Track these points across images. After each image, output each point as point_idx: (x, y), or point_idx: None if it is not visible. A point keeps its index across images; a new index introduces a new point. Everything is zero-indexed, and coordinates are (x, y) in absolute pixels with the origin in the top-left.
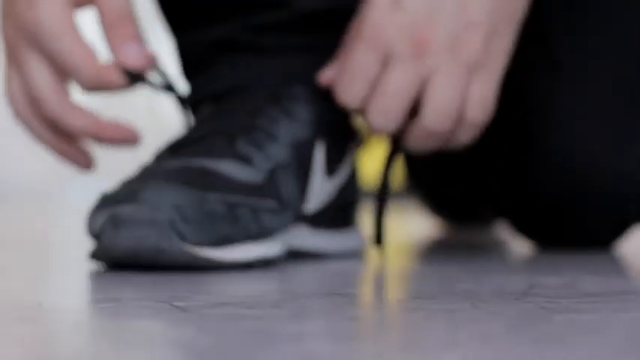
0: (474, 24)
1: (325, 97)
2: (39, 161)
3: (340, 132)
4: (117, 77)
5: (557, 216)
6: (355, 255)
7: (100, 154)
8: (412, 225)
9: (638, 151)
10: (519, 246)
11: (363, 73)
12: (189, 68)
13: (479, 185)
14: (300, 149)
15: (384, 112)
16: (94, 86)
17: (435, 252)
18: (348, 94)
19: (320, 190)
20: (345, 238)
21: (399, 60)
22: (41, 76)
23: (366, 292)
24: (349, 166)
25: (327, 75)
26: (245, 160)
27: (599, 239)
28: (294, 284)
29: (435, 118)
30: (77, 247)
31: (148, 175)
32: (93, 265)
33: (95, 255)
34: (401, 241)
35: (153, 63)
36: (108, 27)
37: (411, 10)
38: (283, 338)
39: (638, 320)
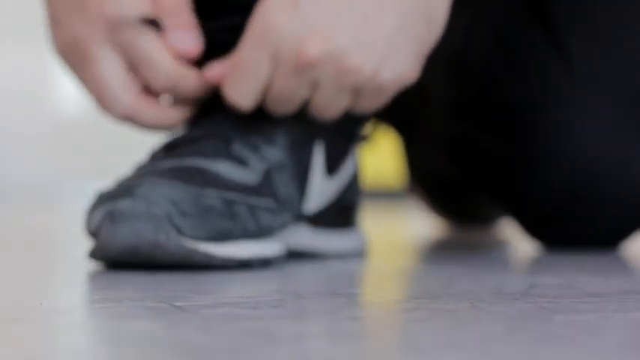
0: (370, 46)
1: None
2: (38, 161)
3: (341, 132)
4: (195, 79)
5: (565, 216)
6: (355, 255)
7: (99, 155)
8: (412, 225)
9: None
10: (519, 246)
11: (252, 73)
12: None
13: (482, 185)
14: (298, 150)
15: (277, 112)
16: (167, 86)
17: (435, 252)
18: (237, 93)
19: (320, 190)
20: (345, 238)
21: (284, 66)
22: (114, 70)
23: (366, 292)
24: (351, 166)
25: (215, 70)
26: (240, 161)
27: (606, 240)
28: (294, 284)
29: (318, 116)
30: (77, 247)
31: (143, 173)
32: (92, 265)
33: (94, 253)
34: (401, 241)
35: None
36: (163, 16)
37: (307, 13)
38: (283, 338)
39: (638, 320)
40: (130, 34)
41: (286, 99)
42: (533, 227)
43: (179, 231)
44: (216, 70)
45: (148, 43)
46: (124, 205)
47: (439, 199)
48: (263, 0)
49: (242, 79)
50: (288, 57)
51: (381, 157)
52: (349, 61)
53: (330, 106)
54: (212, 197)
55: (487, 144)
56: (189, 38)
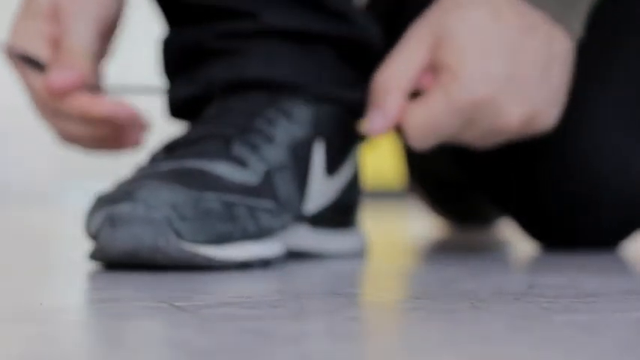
0: (554, 105)
1: (324, 98)
2: (39, 161)
3: (341, 132)
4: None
5: (564, 217)
6: (355, 255)
7: (99, 155)
8: (412, 225)
9: None
10: (519, 246)
11: (443, 132)
12: (170, 67)
13: (482, 185)
14: (297, 150)
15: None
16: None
17: (435, 252)
18: (422, 143)
19: (320, 190)
20: (345, 238)
21: (478, 129)
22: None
23: (366, 292)
24: (351, 167)
25: (378, 124)
26: (240, 162)
27: (606, 240)
28: (294, 284)
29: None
30: (77, 247)
31: (143, 176)
32: (92, 265)
33: (94, 255)
34: (401, 241)
35: (75, 87)
36: (60, 56)
37: (505, 87)
38: (283, 338)
39: (638, 320)
40: (20, 66)
41: (466, 142)
42: (532, 227)
43: (179, 235)
44: (379, 123)
45: (29, 78)
46: (123, 209)
47: (439, 199)
48: (461, 64)
49: (431, 134)
50: (485, 125)
51: (381, 157)
52: (538, 122)
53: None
54: (212, 200)
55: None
56: (61, 75)
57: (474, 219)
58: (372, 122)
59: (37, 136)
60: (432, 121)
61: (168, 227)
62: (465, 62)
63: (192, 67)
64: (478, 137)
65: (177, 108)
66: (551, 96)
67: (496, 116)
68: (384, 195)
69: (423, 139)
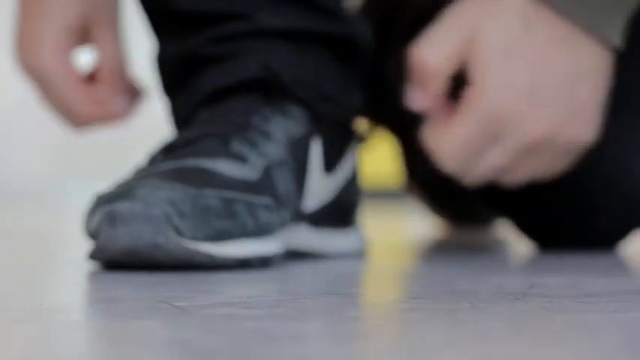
0: (586, 115)
1: (320, 97)
2: (38, 161)
3: (337, 130)
4: (112, 111)
5: (562, 217)
6: (355, 255)
7: (99, 155)
8: (412, 225)
9: None
10: (519, 246)
11: (471, 147)
12: (168, 83)
13: (481, 187)
14: (295, 147)
15: (473, 174)
16: (90, 122)
17: (435, 252)
18: (456, 163)
19: (319, 187)
20: (345, 237)
21: (507, 145)
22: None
23: (366, 292)
24: (350, 164)
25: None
26: (240, 158)
27: (604, 241)
28: (294, 284)
29: (502, 179)
30: (76, 247)
31: (142, 176)
32: (92, 265)
33: (93, 255)
34: (401, 241)
35: (129, 114)
36: (102, 76)
37: (531, 97)
38: (283, 338)
39: (638, 320)
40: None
41: (490, 168)
42: (530, 229)
43: (178, 232)
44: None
45: (66, 94)
46: (123, 207)
47: (438, 199)
48: (485, 79)
49: (459, 150)
50: (516, 141)
51: (380, 157)
52: (566, 138)
53: (519, 176)
54: (211, 197)
55: None
56: (119, 105)
57: (473, 219)
58: (415, 98)
59: (37, 136)
60: (458, 138)
61: (167, 224)
62: (489, 76)
63: (190, 79)
64: (513, 159)
65: (183, 123)
66: (576, 111)
67: (519, 131)
68: (383, 195)
69: (454, 158)
